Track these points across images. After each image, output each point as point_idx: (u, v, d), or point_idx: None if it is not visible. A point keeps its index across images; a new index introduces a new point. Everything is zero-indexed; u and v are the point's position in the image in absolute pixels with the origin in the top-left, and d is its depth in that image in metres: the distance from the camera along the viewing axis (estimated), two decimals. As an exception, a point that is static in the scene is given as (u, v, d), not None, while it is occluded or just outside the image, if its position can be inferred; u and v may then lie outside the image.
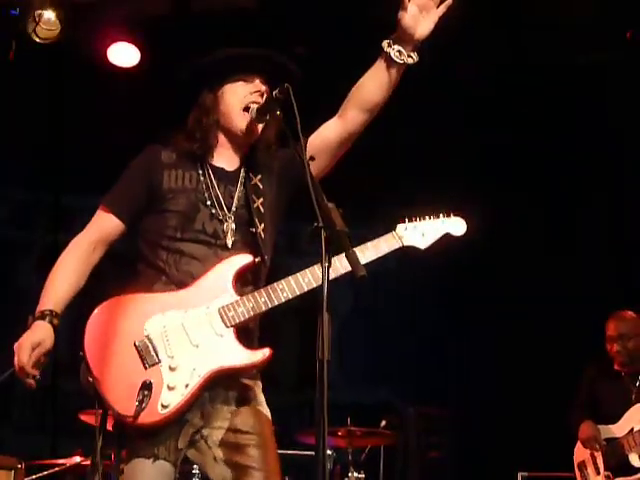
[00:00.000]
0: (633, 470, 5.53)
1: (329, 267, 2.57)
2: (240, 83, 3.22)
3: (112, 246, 3.23)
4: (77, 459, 5.32)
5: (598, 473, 5.67)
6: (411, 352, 7.69)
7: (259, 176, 3.28)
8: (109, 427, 2.99)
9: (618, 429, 5.69)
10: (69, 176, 7.33)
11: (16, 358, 2.96)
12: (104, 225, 3.20)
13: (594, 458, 5.72)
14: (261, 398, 3.16)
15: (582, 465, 5.80)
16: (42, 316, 3.01)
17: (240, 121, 3.20)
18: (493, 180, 7.55)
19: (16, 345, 2.98)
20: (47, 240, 7.38)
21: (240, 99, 3.21)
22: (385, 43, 3.23)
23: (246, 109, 3.18)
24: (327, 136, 3.30)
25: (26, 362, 2.93)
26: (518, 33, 6.62)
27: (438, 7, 3.20)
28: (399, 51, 3.20)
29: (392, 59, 3.21)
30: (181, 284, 3.07)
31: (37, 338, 2.96)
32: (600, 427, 5.72)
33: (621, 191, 7.30)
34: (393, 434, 6.07)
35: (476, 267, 7.46)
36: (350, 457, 5.82)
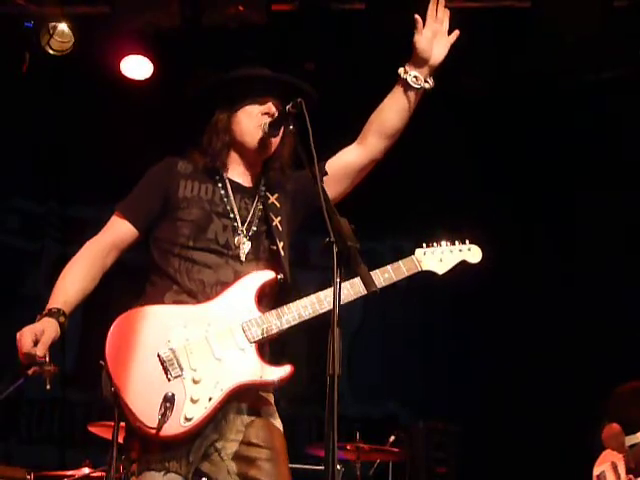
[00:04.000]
0: None
1: (341, 282, 2.58)
2: (254, 105, 3.24)
3: (125, 252, 3.24)
4: (85, 470, 5.31)
5: (619, 479, 5.73)
6: (420, 367, 7.67)
7: (275, 195, 3.31)
8: (120, 440, 2.99)
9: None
10: (78, 187, 7.36)
11: (18, 345, 2.92)
12: (118, 231, 3.21)
13: (614, 466, 5.78)
14: (273, 410, 3.17)
15: (602, 476, 5.85)
16: (49, 314, 3.00)
17: (253, 137, 3.22)
18: (502, 201, 7.53)
19: (18, 334, 2.94)
20: (56, 251, 7.40)
21: (252, 119, 3.23)
22: (401, 70, 3.31)
23: (258, 125, 3.20)
24: (348, 162, 3.36)
25: (29, 346, 2.90)
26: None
27: (449, 35, 3.31)
28: (415, 77, 3.29)
29: (409, 85, 3.29)
30: (192, 293, 3.08)
31: (39, 327, 2.95)
32: (625, 438, 5.78)
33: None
34: (401, 449, 6.05)
35: (485, 285, 7.43)
36: (358, 472, 5.81)
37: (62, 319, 3.01)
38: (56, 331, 2.98)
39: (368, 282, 2.63)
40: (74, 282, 3.10)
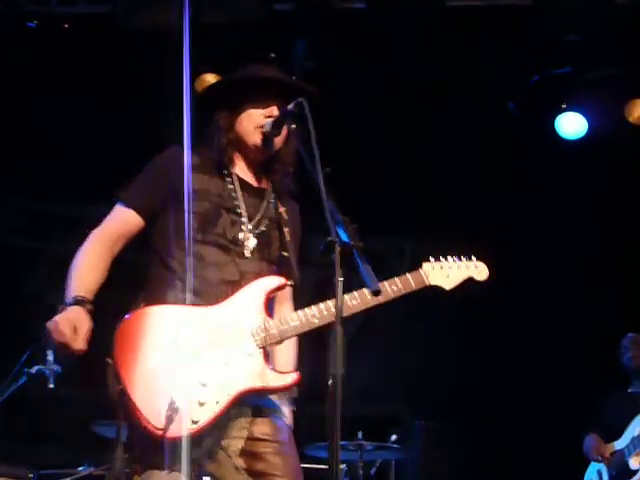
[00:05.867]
0: (632, 473, 5.74)
1: (344, 281, 2.57)
2: (257, 106, 3.20)
3: (130, 241, 3.19)
4: (87, 469, 5.32)
5: None
6: (421, 366, 7.66)
7: (284, 208, 3.29)
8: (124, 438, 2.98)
9: (621, 442, 5.91)
10: (78, 187, 7.36)
11: (55, 334, 2.86)
12: (124, 220, 3.17)
13: (600, 475, 5.97)
14: (279, 404, 3.14)
15: None
16: (76, 302, 2.95)
17: (255, 137, 3.19)
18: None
19: (51, 323, 2.89)
20: (56, 250, 7.40)
21: (254, 121, 3.19)
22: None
23: (260, 126, 3.18)
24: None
25: (70, 335, 2.84)
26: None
27: None
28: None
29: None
30: (195, 291, 3.04)
31: (74, 316, 2.89)
32: (607, 446, 5.88)
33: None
34: (403, 448, 6.05)
35: (489, 285, 7.42)
36: (361, 471, 5.81)
37: (89, 307, 2.97)
38: (88, 321, 2.93)
39: (371, 282, 2.60)
40: (90, 271, 3.05)
